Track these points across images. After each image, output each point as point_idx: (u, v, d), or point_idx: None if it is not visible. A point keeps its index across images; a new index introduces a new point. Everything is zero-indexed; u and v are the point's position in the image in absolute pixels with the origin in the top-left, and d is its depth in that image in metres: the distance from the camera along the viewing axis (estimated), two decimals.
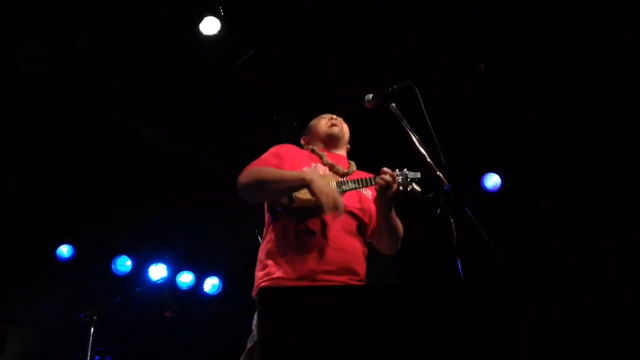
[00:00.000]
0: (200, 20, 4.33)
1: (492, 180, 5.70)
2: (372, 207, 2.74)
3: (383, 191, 2.57)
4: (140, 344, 6.13)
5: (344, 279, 2.49)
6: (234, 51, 4.66)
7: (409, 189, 2.59)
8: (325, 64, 4.74)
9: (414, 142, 2.48)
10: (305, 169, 2.70)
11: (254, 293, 2.58)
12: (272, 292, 1.74)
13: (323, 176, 2.63)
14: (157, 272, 6.23)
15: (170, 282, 6.32)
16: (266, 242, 2.69)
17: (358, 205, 2.71)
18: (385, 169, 2.59)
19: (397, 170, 2.62)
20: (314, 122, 3.05)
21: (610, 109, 4.84)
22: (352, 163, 2.91)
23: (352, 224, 2.66)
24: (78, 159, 5.34)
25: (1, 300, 5.57)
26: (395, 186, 2.57)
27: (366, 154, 3.20)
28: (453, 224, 2.21)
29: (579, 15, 4.26)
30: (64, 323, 5.52)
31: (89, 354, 4.38)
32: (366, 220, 2.73)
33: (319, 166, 2.77)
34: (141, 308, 6.05)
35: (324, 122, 2.98)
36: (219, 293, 6.57)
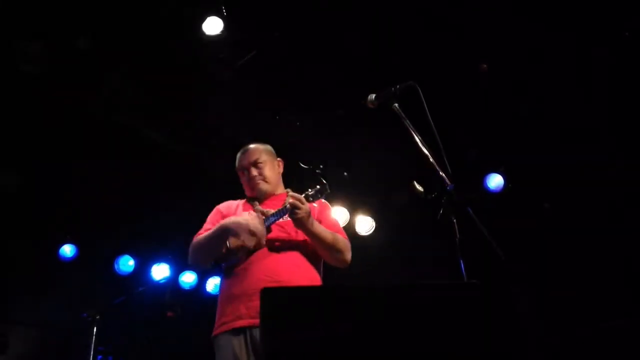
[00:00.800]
0: (203, 20, 4.33)
1: (495, 181, 5.69)
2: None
3: (293, 214, 2.73)
4: (143, 344, 6.13)
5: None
6: (236, 51, 4.66)
7: (323, 201, 2.86)
8: (328, 64, 4.74)
9: (416, 142, 2.48)
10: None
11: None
12: (272, 293, 1.74)
13: (246, 216, 2.87)
14: (160, 271, 6.24)
15: (172, 282, 6.33)
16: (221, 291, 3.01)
17: (283, 234, 2.88)
18: (290, 192, 2.87)
19: (309, 190, 2.79)
20: (237, 169, 3.28)
21: (615, 108, 4.83)
22: (289, 194, 2.96)
23: (285, 253, 2.83)
24: (80, 158, 5.35)
25: (4, 300, 5.58)
26: (302, 206, 2.71)
27: (368, 153, 3.20)
28: (456, 224, 2.21)
29: (583, 14, 4.26)
30: (66, 322, 5.54)
31: (91, 353, 4.37)
32: (300, 241, 2.88)
33: (251, 212, 2.95)
34: (144, 308, 6.06)
35: (245, 183, 3.21)
36: None
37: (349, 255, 2.90)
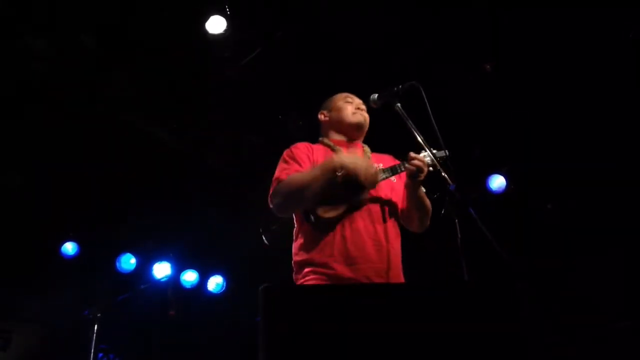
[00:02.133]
0: (206, 19, 4.34)
1: (497, 182, 5.69)
2: (401, 192, 2.75)
3: (415, 177, 2.57)
4: (144, 342, 6.14)
5: (381, 270, 2.51)
6: (240, 50, 4.66)
7: (439, 168, 2.51)
8: (331, 63, 4.74)
9: (419, 142, 2.48)
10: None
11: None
12: (276, 291, 1.74)
13: (361, 161, 2.58)
14: (162, 270, 6.24)
15: (174, 281, 6.33)
16: (300, 247, 2.64)
17: (389, 195, 2.72)
18: (412, 154, 2.58)
19: (423, 152, 2.59)
20: (338, 103, 2.94)
21: (618, 109, 4.83)
22: (366, 148, 2.90)
23: (386, 213, 2.66)
24: (83, 157, 5.35)
25: (6, 298, 5.59)
26: (425, 170, 2.57)
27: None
28: (457, 224, 2.21)
29: (587, 15, 4.25)
30: (68, 320, 5.54)
31: (92, 351, 4.38)
32: (399, 206, 2.75)
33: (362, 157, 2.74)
34: (145, 306, 6.06)
35: (350, 110, 2.88)
36: (222, 292, 6.57)
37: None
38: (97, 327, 4.52)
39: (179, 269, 6.40)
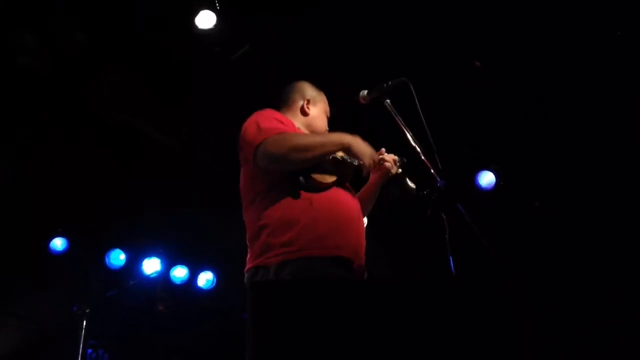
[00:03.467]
0: (196, 14, 4.32)
1: (487, 179, 5.70)
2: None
3: (387, 172, 2.69)
4: (133, 337, 6.12)
5: (359, 253, 2.48)
6: (230, 45, 4.65)
7: (400, 172, 2.66)
8: (321, 59, 4.73)
9: (408, 139, 2.49)
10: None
11: (270, 261, 2.32)
12: (265, 287, 1.74)
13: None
14: (151, 266, 6.22)
15: (163, 277, 6.32)
16: (277, 207, 2.39)
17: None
18: (383, 149, 2.67)
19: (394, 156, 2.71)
20: (322, 108, 2.88)
21: (608, 105, 4.85)
22: (384, 152, 2.89)
23: (356, 199, 2.68)
24: (72, 151, 5.32)
25: None
26: (395, 169, 2.67)
27: None
28: (446, 221, 2.22)
29: (577, 12, 4.27)
30: (57, 316, 5.52)
31: (81, 346, 4.37)
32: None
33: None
34: (134, 301, 6.05)
35: (324, 126, 2.86)
36: (212, 288, 6.56)
37: None
38: (86, 322, 4.50)
39: (168, 264, 6.38)
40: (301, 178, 2.40)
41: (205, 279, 6.56)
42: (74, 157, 5.38)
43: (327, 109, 2.93)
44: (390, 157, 2.73)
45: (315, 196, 2.40)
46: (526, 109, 5.12)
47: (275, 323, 1.61)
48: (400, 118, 2.52)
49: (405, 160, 2.73)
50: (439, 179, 2.34)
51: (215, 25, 4.35)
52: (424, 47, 4.62)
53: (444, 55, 4.71)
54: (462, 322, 1.70)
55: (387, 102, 2.60)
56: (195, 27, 4.35)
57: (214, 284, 6.56)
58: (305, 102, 2.86)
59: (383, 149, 2.69)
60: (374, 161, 2.54)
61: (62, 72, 4.69)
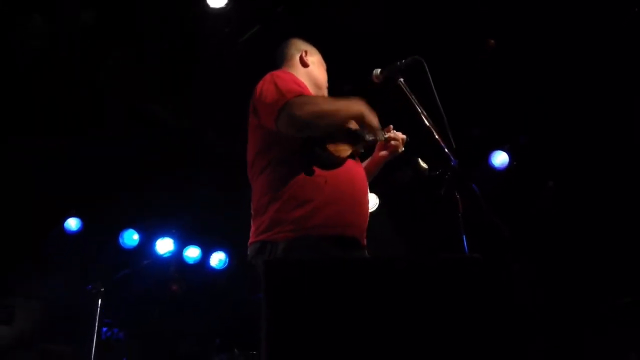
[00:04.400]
0: None
1: (500, 158, 5.67)
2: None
3: (393, 148, 2.67)
4: (147, 316, 6.20)
5: (363, 229, 2.46)
6: (240, 26, 4.62)
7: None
8: (332, 39, 4.69)
9: (421, 118, 2.47)
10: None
11: (278, 237, 2.26)
12: (278, 266, 1.75)
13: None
14: (164, 246, 6.27)
15: (177, 256, 6.37)
16: (289, 182, 2.31)
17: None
18: (391, 127, 2.65)
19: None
20: (320, 60, 2.84)
21: (622, 86, 4.79)
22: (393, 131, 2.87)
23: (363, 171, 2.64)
24: (85, 132, 5.34)
25: (9, 273, 5.63)
26: (401, 147, 2.66)
27: None
28: (459, 200, 2.21)
29: None
30: (71, 295, 5.59)
31: (96, 325, 4.42)
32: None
33: None
34: (148, 281, 6.11)
35: (324, 73, 2.84)
36: (225, 268, 6.61)
37: None
38: (101, 301, 4.55)
39: (181, 244, 6.43)
40: (317, 149, 2.32)
41: (217, 258, 6.61)
42: (87, 138, 5.40)
43: (323, 61, 2.88)
44: (399, 136, 2.70)
45: (330, 174, 2.33)
46: (540, 89, 5.07)
47: (289, 302, 1.61)
48: (413, 97, 2.50)
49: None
50: (452, 159, 2.32)
51: (226, 4, 4.32)
52: (439, 25, 4.56)
53: (458, 33, 4.65)
54: (471, 299, 1.69)
55: (400, 80, 2.57)
56: (207, 5, 4.32)
57: (227, 264, 6.61)
58: (303, 52, 2.79)
59: (391, 126, 2.66)
60: (380, 133, 2.53)
61: (71, 52, 4.69)
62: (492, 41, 4.69)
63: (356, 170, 2.48)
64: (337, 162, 2.37)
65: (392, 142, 2.68)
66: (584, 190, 5.39)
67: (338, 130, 2.42)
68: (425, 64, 2.49)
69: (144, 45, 4.74)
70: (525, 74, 5.01)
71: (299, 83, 2.49)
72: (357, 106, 2.40)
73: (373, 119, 2.44)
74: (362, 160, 2.72)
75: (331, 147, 2.35)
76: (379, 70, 2.69)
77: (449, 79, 3.47)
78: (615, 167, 5.12)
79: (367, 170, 2.72)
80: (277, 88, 2.35)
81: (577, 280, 5.20)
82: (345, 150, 2.42)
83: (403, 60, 2.57)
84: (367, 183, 2.56)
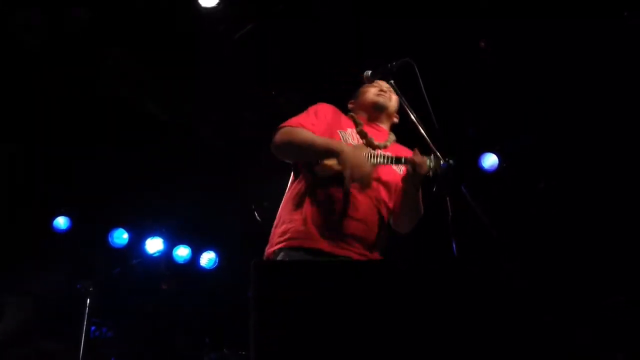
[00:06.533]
0: None
1: (490, 160, 5.69)
2: (400, 184, 2.74)
3: (412, 173, 2.57)
4: (136, 316, 6.17)
5: (360, 251, 2.51)
6: (233, 24, 4.62)
7: (438, 172, 2.48)
8: (326, 39, 4.70)
9: (412, 120, 2.48)
10: (339, 133, 2.69)
11: (268, 251, 2.56)
12: (267, 267, 1.75)
13: (355, 147, 2.57)
14: (154, 245, 6.25)
15: (166, 256, 6.35)
16: (288, 201, 2.66)
17: (388, 178, 2.71)
18: (417, 150, 2.56)
19: (432, 155, 2.53)
20: (363, 88, 2.95)
21: (614, 88, 4.82)
22: (392, 136, 2.89)
23: (380, 195, 2.66)
24: (75, 130, 5.32)
25: None
26: (424, 170, 2.53)
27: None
28: (449, 202, 2.22)
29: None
30: (60, 293, 5.56)
31: (85, 324, 4.41)
32: (393, 194, 2.74)
33: (352, 132, 2.74)
34: (137, 280, 6.09)
35: (373, 91, 2.89)
36: (215, 267, 6.60)
37: None
38: (90, 300, 4.54)
39: (171, 244, 6.41)
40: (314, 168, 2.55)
41: (207, 258, 6.59)
42: (77, 135, 5.38)
43: (372, 84, 2.89)
44: (418, 157, 2.56)
45: (321, 192, 2.54)
46: (531, 90, 5.09)
47: (277, 303, 1.62)
48: (404, 99, 2.51)
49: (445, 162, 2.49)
50: (442, 160, 2.33)
51: (218, 4, 4.32)
52: (429, 27, 4.58)
53: (448, 35, 4.66)
54: (461, 302, 1.70)
55: (391, 82, 2.58)
56: (199, 4, 4.32)
57: (217, 264, 6.60)
58: (350, 105, 3.00)
59: (416, 149, 2.56)
60: (360, 174, 2.48)
61: (64, 49, 4.67)
62: (483, 43, 4.71)
63: (354, 197, 2.55)
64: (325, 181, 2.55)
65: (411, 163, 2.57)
66: (574, 191, 5.42)
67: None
68: (416, 67, 2.50)
69: (137, 42, 4.73)
70: (516, 76, 5.03)
71: (319, 114, 2.73)
72: (327, 144, 2.54)
73: (351, 160, 2.46)
74: None
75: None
76: (369, 72, 2.70)
77: (438, 81, 3.48)
78: (607, 167, 5.15)
79: (397, 209, 2.75)
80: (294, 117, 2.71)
81: (564, 280, 5.23)
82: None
83: (394, 63, 2.58)
84: (365, 209, 2.58)
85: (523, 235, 5.42)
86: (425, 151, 2.50)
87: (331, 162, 2.49)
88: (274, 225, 2.63)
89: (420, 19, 4.53)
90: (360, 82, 2.88)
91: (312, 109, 2.77)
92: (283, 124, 2.64)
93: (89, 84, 5.04)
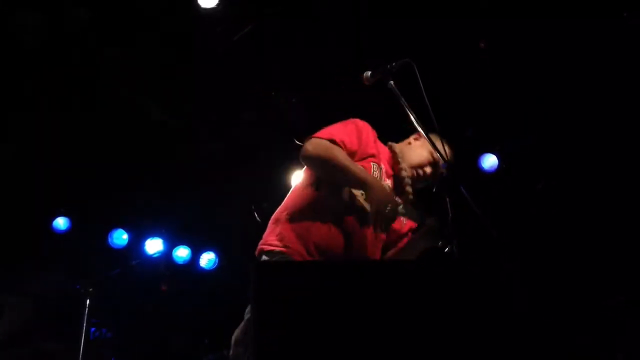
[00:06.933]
0: None
1: (489, 161, 5.69)
2: (401, 233, 2.78)
3: (427, 235, 2.60)
4: (136, 317, 6.17)
5: None
6: (233, 25, 4.62)
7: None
8: (324, 40, 4.70)
9: (412, 121, 2.48)
10: (372, 165, 2.64)
11: (257, 252, 2.56)
12: (268, 267, 1.75)
13: (388, 191, 2.57)
14: (154, 246, 6.25)
15: (166, 257, 6.35)
16: (296, 201, 2.63)
17: (398, 227, 2.74)
18: (435, 218, 2.57)
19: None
20: (421, 140, 2.84)
21: (613, 88, 4.82)
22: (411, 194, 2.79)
23: (386, 239, 2.70)
24: (74, 130, 5.32)
25: None
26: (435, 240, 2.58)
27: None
28: (449, 203, 2.22)
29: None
30: (60, 294, 5.55)
31: (84, 325, 4.40)
32: (396, 243, 2.77)
33: (385, 170, 2.71)
34: (137, 281, 6.08)
35: (427, 162, 2.82)
36: (215, 268, 6.59)
37: None
38: (90, 301, 4.53)
39: (171, 245, 6.41)
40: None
41: (207, 259, 6.59)
42: (76, 135, 5.37)
43: (434, 155, 2.81)
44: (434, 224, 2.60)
45: (333, 217, 2.52)
46: (530, 91, 5.09)
47: (277, 304, 1.62)
48: (404, 100, 2.50)
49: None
50: (442, 161, 2.33)
51: (217, 5, 4.33)
52: (429, 27, 4.58)
53: (448, 35, 4.67)
54: (461, 302, 1.70)
55: (390, 83, 2.58)
56: (198, 5, 4.32)
57: (216, 264, 6.59)
58: (412, 138, 2.93)
59: (434, 219, 2.58)
60: (383, 216, 2.43)
61: (63, 49, 4.67)
62: (483, 44, 4.72)
63: (357, 227, 2.54)
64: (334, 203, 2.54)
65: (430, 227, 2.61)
66: (574, 191, 5.42)
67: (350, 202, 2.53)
68: (415, 67, 2.50)
69: (137, 44, 4.74)
70: (516, 76, 5.03)
71: (352, 135, 2.65)
72: (362, 174, 2.49)
73: (377, 194, 2.42)
74: None
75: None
76: (369, 73, 2.69)
77: (438, 82, 3.48)
78: (607, 167, 5.15)
79: (398, 251, 2.75)
80: (327, 127, 2.63)
81: (565, 280, 5.23)
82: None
83: (394, 63, 2.58)
84: (364, 237, 2.56)
85: (523, 235, 5.42)
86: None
87: (359, 192, 2.48)
88: (276, 219, 2.61)
89: (420, 19, 4.53)
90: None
91: (354, 127, 2.68)
92: (320, 135, 2.55)
93: (89, 84, 5.04)
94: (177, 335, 6.34)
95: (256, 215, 6.03)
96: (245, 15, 4.59)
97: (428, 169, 2.82)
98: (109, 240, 6.17)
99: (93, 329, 5.28)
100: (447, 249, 2.37)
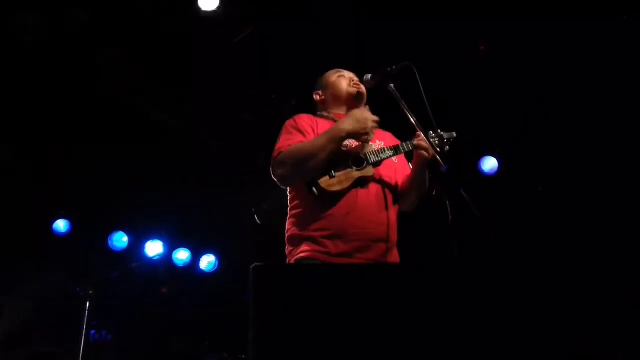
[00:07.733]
0: None
1: (490, 164, 5.69)
2: (403, 172, 2.79)
3: (421, 154, 2.62)
4: (136, 319, 6.17)
5: (380, 251, 2.51)
6: (233, 28, 4.63)
7: (446, 149, 2.58)
8: (325, 42, 4.71)
9: (412, 123, 2.48)
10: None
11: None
12: (266, 270, 1.75)
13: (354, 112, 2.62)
14: (154, 248, 6.25)
15: (166, 259, 6.34)
16: (297, 220, 2.63)
17: (393, 175, 2.74)
18: (419, 133, 2.55)
19: (431, 132, 2.60)
20: (331, 79, 2.93)
21: (612, 90, 4.83)
22: (421, 137, 2.77)
23: (388, 193, 2.67)
24: (75, 133, 5.32)
25: None
26: (431, 151, 2.58)
27: None
28: (449, 206, 2.22)
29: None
30: (60, 296, 5.55)
31: (84, 327, 4.40)
32: (399, 188, 2.76)
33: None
34: (137, 284, 6.08)
35: (345, 83, 2.88)
36: (215, 271, 6.59)
37: None
38: (89, 304, 4.52)
39: (171, 247, 6.41)
40: (314, 189, 2.50)
41: (207, 261, 6.58)
42: (77, 138, 5.38)
43: (338, 74, 2.93)
44: (424, 142, 2.61)
45: (327, 207, 2.52)
46: (530, 93, 5.10)
47: (277, 306, 1.62)
48: (404, 102, 2.51)
49: (446, 136, 2.64)
50: (442, 164, 2.34)
51: (218, 8, 4.34)
52: (429, 27, 4.58)
53: (448, 38, 4.67)
54: (462, 304, 1.70)
55: (390, 86, 2.58)
56: (199, 8, 4.33)
57: (216, 267, 6.59)
58: (317, 96, 2.98)
59: (419, 132, 2.57)
60: (369, 127, 2.55)
61: (64, 50, 4.68)
62: (483, 47, 4.72)
63: (360, 201, 2.55)
64: (331, 197, 2.52)
65: (419, 151, 2.64)
66: (574, 193, 5.42)
67: (339, 159, 2.55)
68: (415, 70, 2.50)
69: (137, 45, 4.74)
70: (516, 78, 5.04)
71: (300, 127, 2.68)
72: (337, 131, 2.53)
73: (356, 126, 2.51)
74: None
75: (323, 185, 2.50)
76: (369, 76, 2.71)
77: (438, 83, 3.49)
78: (607, 169, 5.15)
79: (405, 188, 2.75)
80: (278, 140, 2.66)
81: (565, 282, 5.23)
82: (339, 184, 2.52)
83: (394, 66, 2.58)
84: (376, 213, 2.58)
85: (523, 237, 5.42)
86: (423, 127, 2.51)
87: (333, 185, 2.51)
88: (290, 237, 2.63)
89: (420, 19, 4.54)
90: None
91: (290, 126, 2.72)
92: (274, 157, 2.59)
93: (89, 85, 5.05)
94: (178, 337, 6.34)
95: (256, 217, 6.03)
96: (246, 16, 4.60)
97: (356, 87, 2.86)
98: (109, 242, 6.17)
99: (93, 331, 5.28)
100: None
